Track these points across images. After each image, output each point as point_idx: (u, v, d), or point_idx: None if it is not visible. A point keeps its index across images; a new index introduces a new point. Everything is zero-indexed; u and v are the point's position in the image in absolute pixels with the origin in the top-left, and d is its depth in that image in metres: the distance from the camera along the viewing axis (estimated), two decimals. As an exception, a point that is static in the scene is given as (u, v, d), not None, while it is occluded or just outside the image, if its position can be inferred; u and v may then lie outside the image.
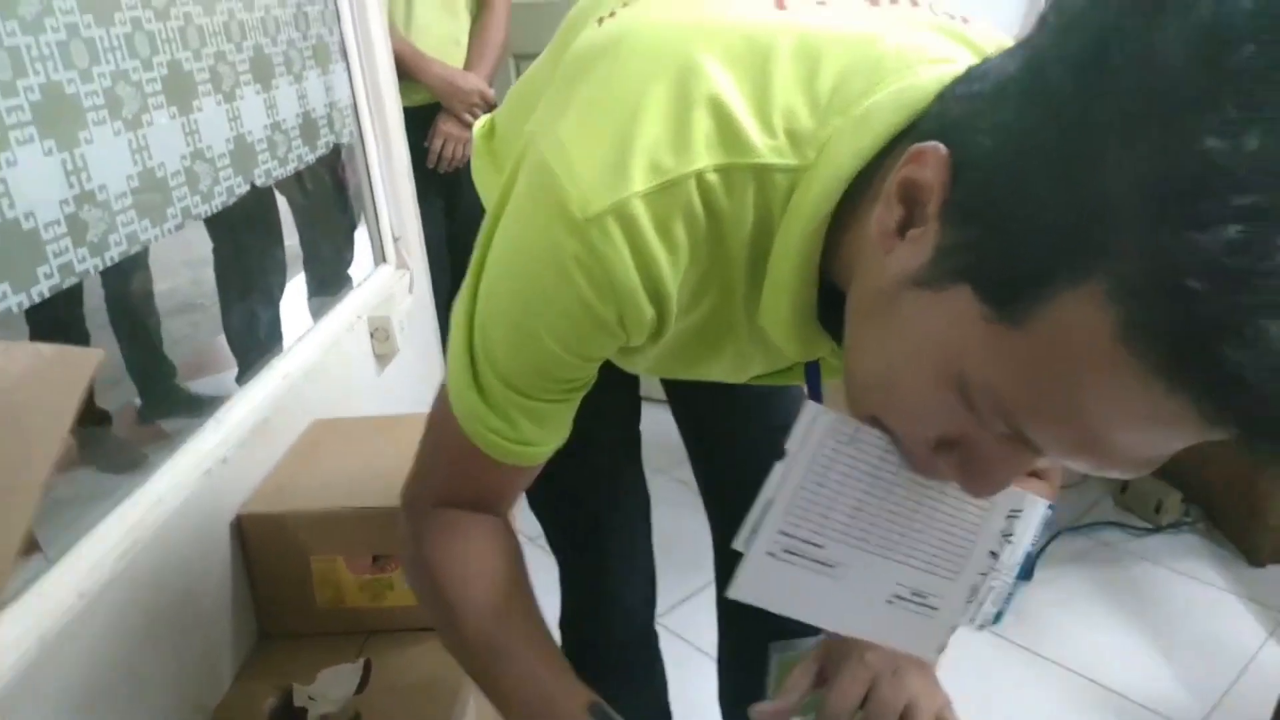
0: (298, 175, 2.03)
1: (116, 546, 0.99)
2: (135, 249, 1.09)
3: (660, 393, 1.07)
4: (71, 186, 0.98)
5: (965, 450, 0.48)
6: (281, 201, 2.12)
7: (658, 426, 1.15)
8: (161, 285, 2.35)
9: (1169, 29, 0.34)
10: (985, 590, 0.60)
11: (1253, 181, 0.32)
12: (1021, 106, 0.40)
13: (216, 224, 1.99)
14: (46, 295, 0.94)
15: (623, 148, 0.51)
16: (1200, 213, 0.33)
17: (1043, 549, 2.11)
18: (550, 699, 0.61)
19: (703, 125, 0.51)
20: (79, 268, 0.99)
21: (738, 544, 0.54)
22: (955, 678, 0.65)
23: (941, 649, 0.61)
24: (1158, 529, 2.17)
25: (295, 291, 2.08)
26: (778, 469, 0.53)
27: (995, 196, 0.41)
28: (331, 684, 1.02)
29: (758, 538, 0.54)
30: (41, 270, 0.93)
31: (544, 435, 0.64)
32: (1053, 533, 2.15)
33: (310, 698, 1.00)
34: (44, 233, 0.94)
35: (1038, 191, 0.38)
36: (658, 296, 0.54)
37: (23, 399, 0.37)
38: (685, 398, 1.05)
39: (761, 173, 0.52)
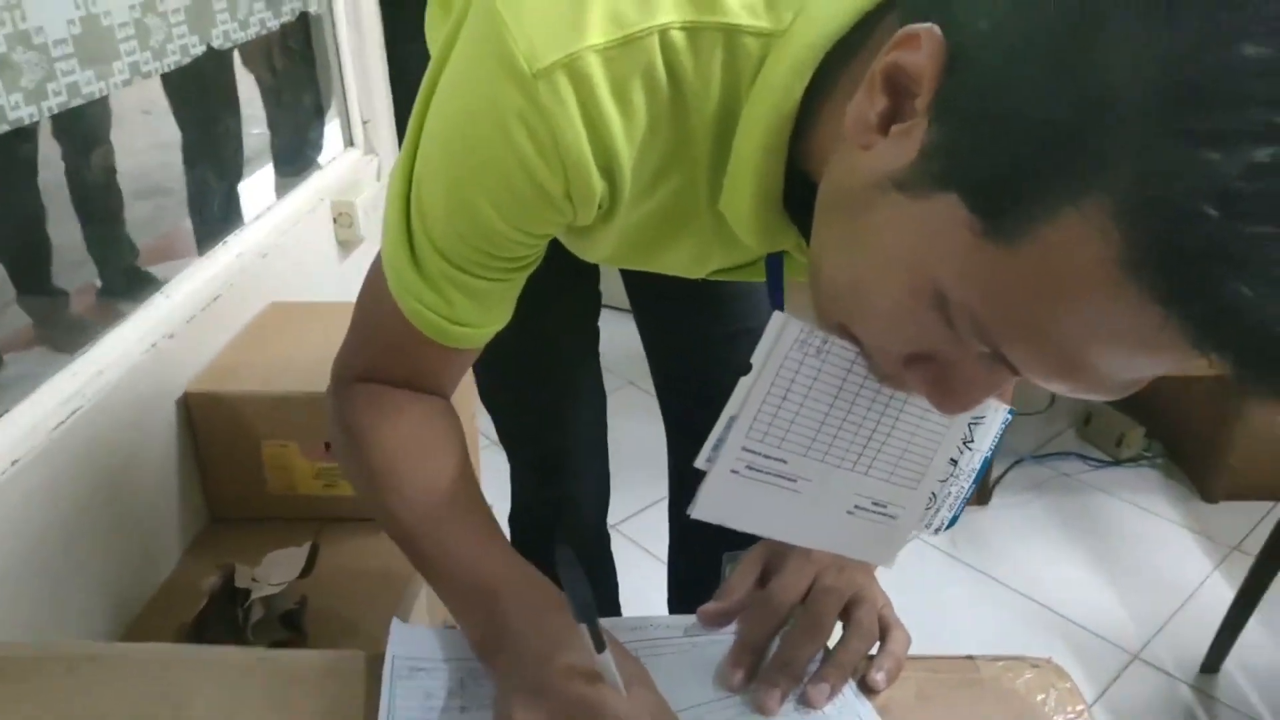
0: (266, 48, 1.94)
1: (54, 415, 0.96)
2: (76, 101, 1.02)
3: (623, 301, 1.03)
4: (2, 24, 0.91)
5: (938, 367, 0.44)
6: (248, 78, 2.03)
7: (624, 337, 1.12)
8: (127, 164, 2.26)
9: None
10: (944, 496, 0.59)
11: None
12: None
13: (180, 97, 1.90)
14: (-27, 141, 0.87)
15: None
16: (1222, 130, 0.29)
17: (1001, 476, 2.13)
18: (476, 563, 0.58)
19: None
20: (11, 115, 0.92)
21: (700, 462, 0.52)
22: (905, 594, 0.64)
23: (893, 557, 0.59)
24: (1117, 462, 2.19)
25: (262, 172, 2.01)
26: (742, 383, 0.49)
27: (990, 91, 0.36)
28: (276, 566, 1.00)
29: (720, 454, 0.51)
30: (-33, 114, 0.87)
31: (482, 316, 0.60)
32: (1013, 460, 2.17)
33: (254, 579, 0.98)
34: (-30, 73, 0.87)
35: (1036, 87, 0.34)
36: (609, 168, 0.49)
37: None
38: (647, 298, 1.01)
39: (731, 34, 0.46)
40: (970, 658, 0.59)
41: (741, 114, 0.49)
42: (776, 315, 0.49)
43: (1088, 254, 0.33)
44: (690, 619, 0.62)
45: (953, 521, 0.59)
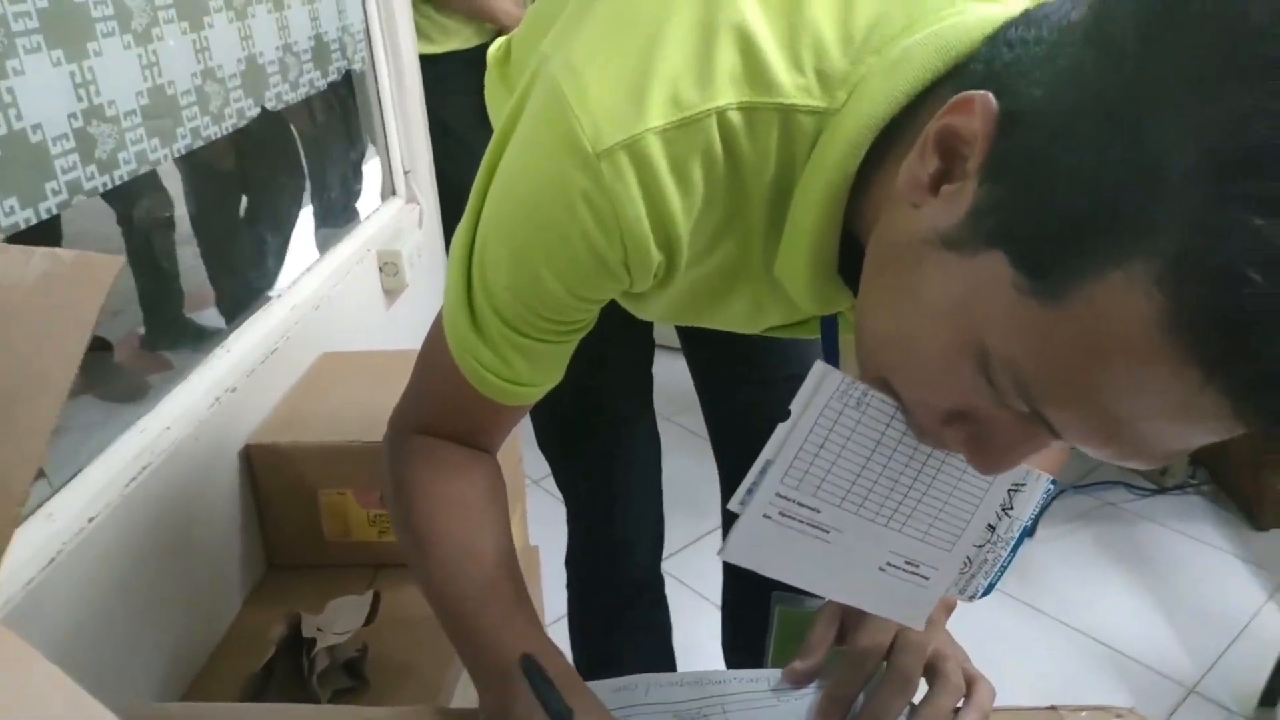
0: (307, 103, 1.99)
1: (125, 471, 0.98)
2: (145, 169, 1.06)
3: (672, 340, 1.05)
4: (80, 100, 0.95)
5: (977, 426, 0.45)
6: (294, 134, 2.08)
7: (668, 374, 1.14)
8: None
9: None
10: (979, 562, 0.58)
11: None
12: (1080, 56, 0.37)
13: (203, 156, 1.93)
14: (55, 211, 0.91)
15: (641, 77, 0.48)
16: (1270, 196, 0.30)
17: (1045, 507, 2.11)
18: (496, 634, 0.60)
19: (727, 57, 0.47)
20: (87, 185, 0.96)
21: (733, 505, 0.52)
22: (954, 630, 0.64)
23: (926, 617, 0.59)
24: (1163, 490, 2.17)
25: (302, 223, 2.05)
26: (780, 429, 0.50)
27: (1042, 155, 0.37)
28: (340, 615, 1.01)
29: (754, 499, 0.51)
30: (50, 186, 0.90)
31: (537, 376, 0.62)
32: (1056, 491, 2.15)
33: (319, 628, 1.00)
34: (52, 147, 0.91)
35: (1087, 153, 0.35)
36: (667, 242, 0.51)
37: (42, 304, 0.35)
38: (699, 341, 1.03)
39: (787, 114, 0.48)
40: (1053, 708, 0.59)
41: (797, 187, 0.51)
42: (818, 365, 0.50)
43: (1131, 316, 0.34)
44: (773, 674, 0.63)
45: (988, 590, 0.59)
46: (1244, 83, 0.31)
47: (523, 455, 1.48)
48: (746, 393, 1.01)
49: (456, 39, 1.96)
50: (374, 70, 1.73)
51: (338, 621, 1.01)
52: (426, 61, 1.86)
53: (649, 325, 0.98)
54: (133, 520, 0.97)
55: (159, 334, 2.19)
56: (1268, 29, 0.31)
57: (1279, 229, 0.30)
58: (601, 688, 0.62)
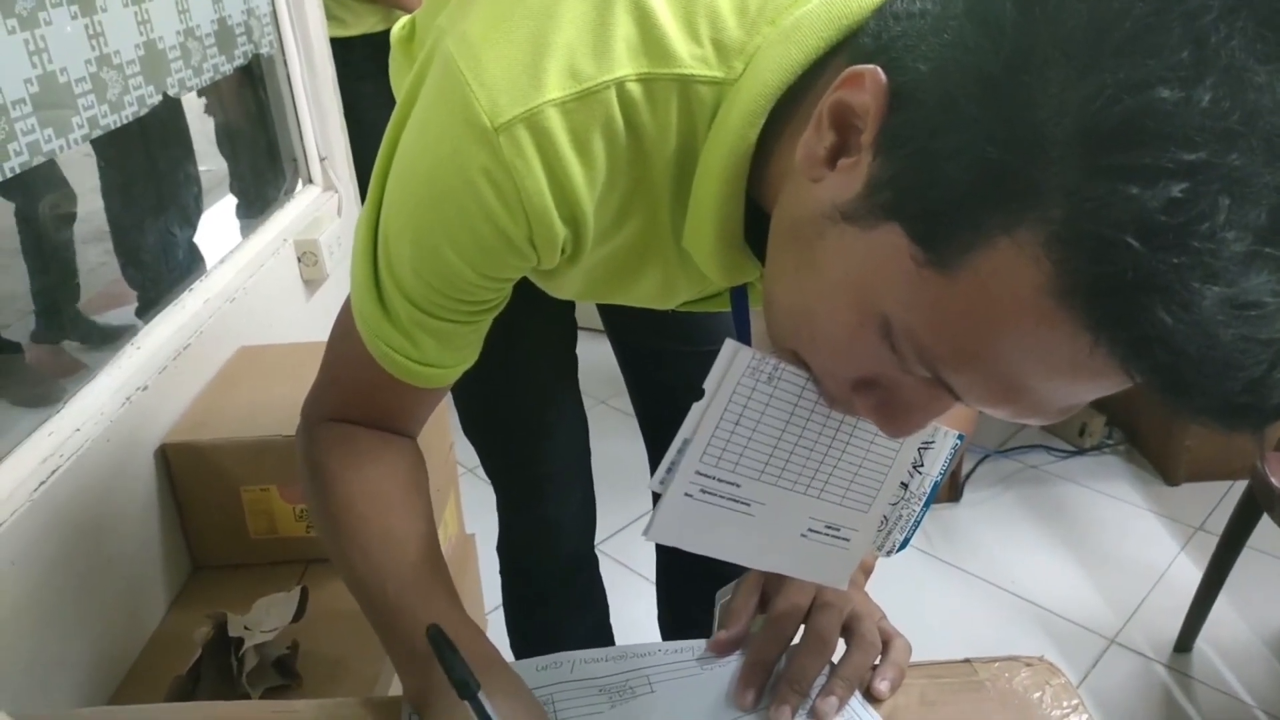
0: (217, 88, 1.92)
1: (33, 476, 0.94)
2: (38, 159, 1.01)
3: (598, 323, 1.05)
4: (-38, 89, 0.90)
5: (884, 392, 0.46)
6: (204, 121, 2.01)
7: (603, 357, 1.13)
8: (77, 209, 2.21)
9: None
10: (894, 519, 0.61)
11: (1200, 139, 0.30)
12: (962, 31, 0.37)
13: (111, 140, 1.85)
14: (-60, 208, 0.87)
15: (536, 50, 0.47)
16: (1143, 166, 0.31)
17: (970, 472, 2.17)
18: (418, 620, 0.58)
19: (624, 29, 0.47)
20: (-25, 178, 0.91)
21: (654, 485, 0.53)
22: (886, 593, 0.66)
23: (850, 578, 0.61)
24: (1081, 451, 2.25)
25: (225, 213, 1.98)
26: (695, 408, 0.51)
27: (930, 129, 0.38)
28: (268, 612, 0.99)
29: (674, 478, 0.52)
30: (-68, 180, 0.86)
31: (450, 357, 0.61)
32: (981, 456, 2.21)
33: (245, 627, 0.98)
34: (-67, 139, 0.86)
35: (971, 127, 0.36)
36: (572, 216, 0.51)
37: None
38: (619, 319, 1.03)
39: (686, 85, 0.48)
40: (967, 661, 0.61)
41: (699, 158, 0.51)
42: (728, 343, 0.50)
43: (1021, 282, 0.35)
44: (699, 644, 0.63)
45: (904, 544, 0.62)
46: (1114, 56, 0.32)
47: (455, 443, 1.47)
48: (667, 369, 1.01)
49: (368, 21, 1.92)
50: (283, 54, 1.68)
51: (265, 619, 0.99)
52: (338, 45, 1.82)
53: (569, 304, 0.98)
54: (43, 525, 0.94)
55: (52, 332, 2.09)
56: (1134, 8, 0.32)
57: (1154, 197, 0.31)
58: (526, 667, 0.62)
